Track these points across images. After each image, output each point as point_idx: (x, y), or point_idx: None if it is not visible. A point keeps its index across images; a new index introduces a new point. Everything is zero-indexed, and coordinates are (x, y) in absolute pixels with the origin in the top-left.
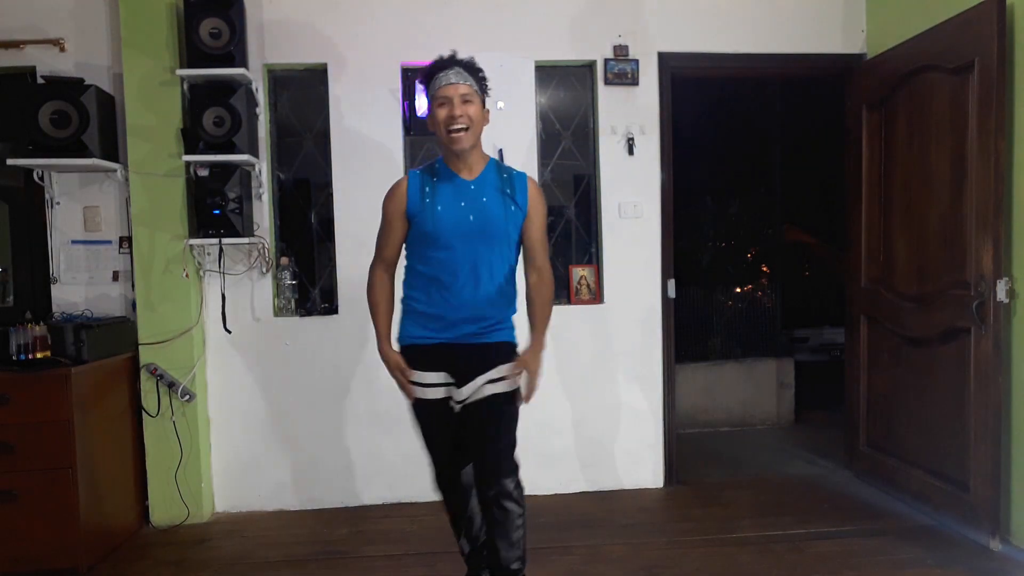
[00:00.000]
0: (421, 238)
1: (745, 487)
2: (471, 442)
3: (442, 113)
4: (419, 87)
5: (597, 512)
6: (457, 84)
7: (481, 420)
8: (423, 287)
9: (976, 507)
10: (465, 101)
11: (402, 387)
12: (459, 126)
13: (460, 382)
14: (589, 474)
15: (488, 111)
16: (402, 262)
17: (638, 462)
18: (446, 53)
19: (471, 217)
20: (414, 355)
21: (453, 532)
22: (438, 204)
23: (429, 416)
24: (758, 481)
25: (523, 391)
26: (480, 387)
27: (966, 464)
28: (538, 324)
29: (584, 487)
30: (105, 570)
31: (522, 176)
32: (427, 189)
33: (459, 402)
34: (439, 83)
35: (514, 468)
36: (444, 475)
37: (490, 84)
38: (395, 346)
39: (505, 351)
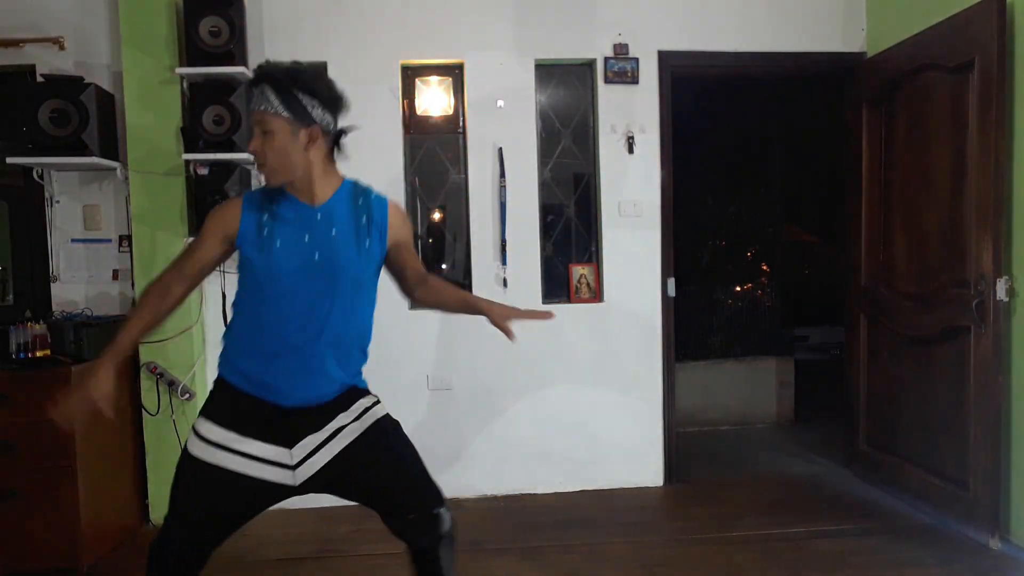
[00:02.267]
0: (253, 279)
1: (745, 486)
2: (376, 490)
3: (251, 145)
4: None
5: (597, 511)
6: (259, 111)
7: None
8: (253, 334)
9: (975, 506)
10: (265, 132)
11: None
12: (259, 163)
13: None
14: (589, 473)
15: (313, 130)
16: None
17: (638, 461)
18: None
19: (316, 255)
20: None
21: None
22: (277, 238)
23: (221, 486)
24: (758, 480)
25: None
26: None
27: (966, 463)
28: (466, 296)
29: (584, 486)
30: (105, 568)
31: (381, 201)
32: (265, 217)
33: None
34: (252, 107)
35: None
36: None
37: (315, 102)
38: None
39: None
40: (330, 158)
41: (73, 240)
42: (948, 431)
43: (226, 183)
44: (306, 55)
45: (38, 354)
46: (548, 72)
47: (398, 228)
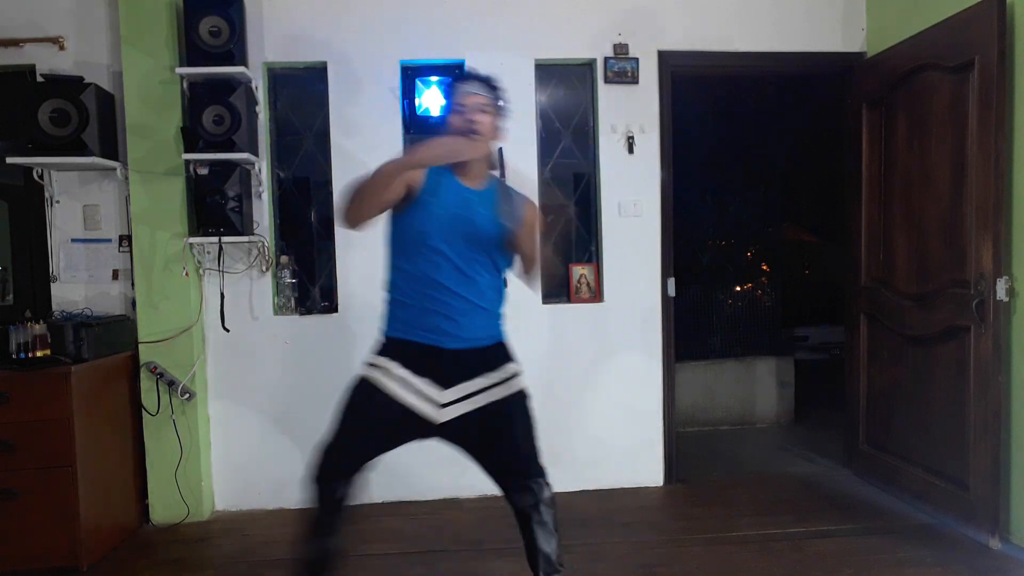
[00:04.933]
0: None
1: (745, 486)
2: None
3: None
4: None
5: (597, 511)
6: (478, 94)
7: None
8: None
9: (976, 506)
10: (485, 113)
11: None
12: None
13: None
14: (589, 473)
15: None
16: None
17: (638, 461)
18: (472, 69)
19: (471, 219)
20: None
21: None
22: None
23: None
24: (758, 480)
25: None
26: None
27: (966, 463)
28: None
29: (584, 486)
30: (105, 568)
31: (520, 195)
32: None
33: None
34: (463, 91)
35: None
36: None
37: (504, 104)
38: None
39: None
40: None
41: (73, 240)
42: (948, 431)
43: (226, 183)
44: (306, 55)
45: (38, 354)
46: (548, 72)
47: (528, 218)
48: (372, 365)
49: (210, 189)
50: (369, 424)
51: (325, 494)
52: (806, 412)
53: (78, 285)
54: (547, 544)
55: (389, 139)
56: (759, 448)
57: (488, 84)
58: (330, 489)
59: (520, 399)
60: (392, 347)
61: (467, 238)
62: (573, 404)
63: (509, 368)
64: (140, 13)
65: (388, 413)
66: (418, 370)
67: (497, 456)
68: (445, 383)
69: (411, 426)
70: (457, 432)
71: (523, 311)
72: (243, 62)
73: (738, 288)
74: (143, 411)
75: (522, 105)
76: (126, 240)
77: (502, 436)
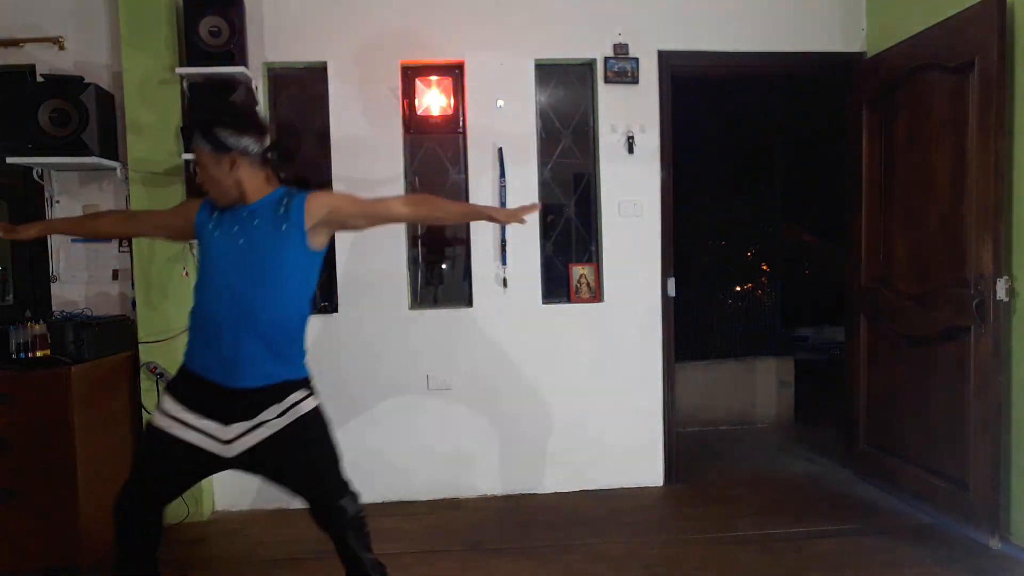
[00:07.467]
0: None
1: (745, 486)
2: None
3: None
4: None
5: (597, 511)
6: (196, 148)
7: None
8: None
9: (976, 506)
10: (201, 166)
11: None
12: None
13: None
14: (589, 473)
15: (235, 160)
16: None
17: (638, 461)
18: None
19: (241, 240)
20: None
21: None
22: (215, 230)
23: (167, 447)
24: (758, 480)
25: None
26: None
27: (966, 463)
28: (466, 207)
29: (584, 486)
30: (105, 568)
31: (302, 194)
32: (214, 214)
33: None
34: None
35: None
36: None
37: (233, 137)
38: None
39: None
40: (266, 172)
41: (73, 240)
42: (948, 431)
43: None
44: (306, 55)
45: (38, 354)
46: (548, 72)
47: (317, 207)
48: (158, 409)
49: None
50: (161, 466)
51: (128, 524)
52: (806, 412)
53: (78, 285)
54: (367, 556)
55: (389, 139)
56: (759, 448)
57: (201, 130)
58: (133, 520)
59: (308, 422)
60: (181, 379)
61: (245, 256)
62: (573, 404)
63: (293, 396)
64: (140, 13)
65: (177, 454)
66: (201, 408)
67: (297, 481)
68: (227, 420)
69: (204, 462)
70: (251, 462)
71: (523, 311)
72: (243, 62)
73: (738, 288)
74: (143, 411)
75: (522, 105)
76: (126, 240)
77: (296, 462)
